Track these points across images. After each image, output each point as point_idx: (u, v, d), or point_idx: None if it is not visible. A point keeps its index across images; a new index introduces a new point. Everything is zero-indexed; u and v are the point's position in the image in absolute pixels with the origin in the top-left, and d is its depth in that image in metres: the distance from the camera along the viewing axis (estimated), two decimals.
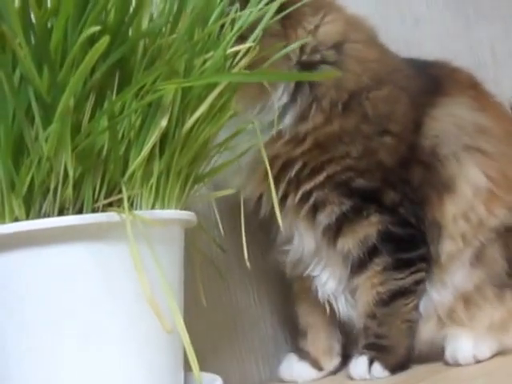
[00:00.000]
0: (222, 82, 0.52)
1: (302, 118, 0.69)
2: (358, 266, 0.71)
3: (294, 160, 0.69)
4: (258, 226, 0.73)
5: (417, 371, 0.72)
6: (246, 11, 0.56)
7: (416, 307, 0.72)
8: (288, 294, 0.81)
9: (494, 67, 1.21)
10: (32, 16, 0.43)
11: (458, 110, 0.74)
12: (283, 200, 0.71)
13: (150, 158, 0.50)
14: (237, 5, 0.57)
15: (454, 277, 0.71)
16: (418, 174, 0.71)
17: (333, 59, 0.70)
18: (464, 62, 0.81)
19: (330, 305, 0.75)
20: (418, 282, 0.71)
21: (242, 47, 0.55)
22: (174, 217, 0.53)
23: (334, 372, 0.79)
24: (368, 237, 0.70)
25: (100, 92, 0.47)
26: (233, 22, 0.55)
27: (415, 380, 0.68)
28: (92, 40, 0.44)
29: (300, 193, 0.70)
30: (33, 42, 0.43)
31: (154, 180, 0.50)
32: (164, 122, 0.49)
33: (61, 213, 0.47)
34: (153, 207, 0.51)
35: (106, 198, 0.48)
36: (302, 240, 0.73)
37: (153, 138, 0.49)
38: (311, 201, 0.70)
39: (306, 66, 0.69)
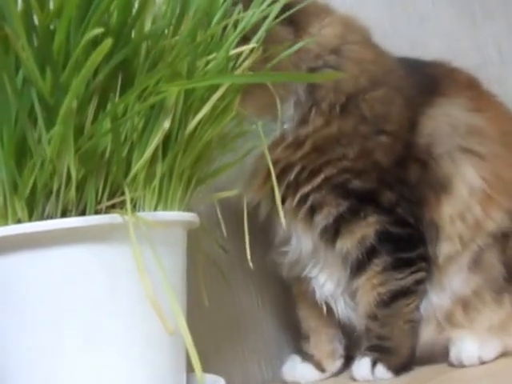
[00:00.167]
0: (225, 83, 0.52)
1: (303, 121, 0.69)
2: (358, 268, 0.71)
3: (294, 164, 0.69)
4: (260, 228, 0.73)
5: (420, 373, 0.71)
6: (249, 12, 0.56)
7: (418, 307, 0.72)
8: (290, 295, 0.81)
9: (500, 65, 1.20)
10: (35, 18, 0.43)
11: (453, 111, 0.74)
12: (281, 203, 0.70)
13: (152, 159, 0.50)
14: (240, 6, 0.57)
15: (453, 281, 0.71)
16: (415, 172, 0.71)
17: (333, 63, 0.70)
18: (470, 61, 0.80)
19: (328, 306, 0.75)
20: (419, 282, 0.71)
21: (245, 48, 0.55)
22: (177, 218, 0.53)
23: (337, 373, 0.78)
24: (366, 237, 0.70)
25: (103, 94, 0.47)
26: (236, 23, 0.55)
27: (419, 381, 0.68)
28: (95, 42, 0.44)
29: (298, 196, 0.70)
30: (35, 44, 0.44)
31: (156, 182, 0.50)
32: (167, 124, 0.49)
33: (64, 215, 0.47)
34: (155, 209, 0.51)
35: (108, 199, 0.48)
36: (299, 241, 0.73)
37: (155, 139, 0.49)
38: (309, 203, 0.70)
39: (312, 72, 0.69)
